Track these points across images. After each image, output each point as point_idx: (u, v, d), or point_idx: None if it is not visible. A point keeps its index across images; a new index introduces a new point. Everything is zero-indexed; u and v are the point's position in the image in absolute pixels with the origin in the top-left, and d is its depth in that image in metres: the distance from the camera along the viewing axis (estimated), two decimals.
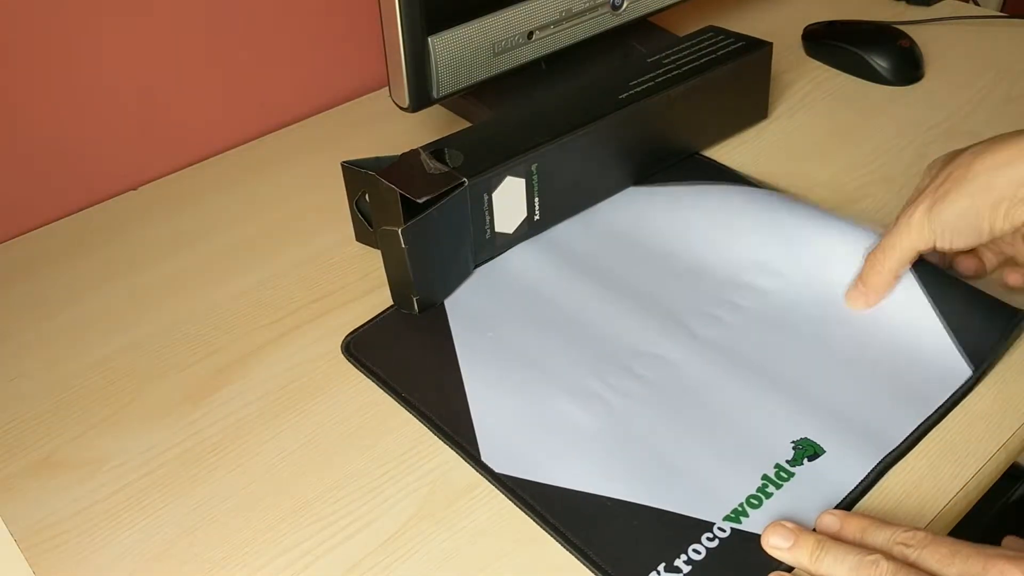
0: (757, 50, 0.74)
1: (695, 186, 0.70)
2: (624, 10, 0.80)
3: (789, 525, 0.47)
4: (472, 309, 0.62)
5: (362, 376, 0.58)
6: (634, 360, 0.58)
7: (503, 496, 0.51)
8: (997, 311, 0.58)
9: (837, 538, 0.46)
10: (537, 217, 0.66)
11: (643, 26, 0.87)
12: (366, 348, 0.60)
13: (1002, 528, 0.79)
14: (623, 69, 0.72)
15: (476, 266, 0.65)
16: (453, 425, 0.55)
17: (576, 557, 0.48)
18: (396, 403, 0.57)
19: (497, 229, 0.64)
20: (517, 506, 0.51)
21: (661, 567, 0.47)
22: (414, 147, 0.63)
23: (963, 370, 0.56)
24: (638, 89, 0.69)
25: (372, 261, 0.67)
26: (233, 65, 0.79)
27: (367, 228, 0.68)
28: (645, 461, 0.52)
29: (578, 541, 0.49)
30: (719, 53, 0.73)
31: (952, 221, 0.55)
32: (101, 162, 0.75)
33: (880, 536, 0.45)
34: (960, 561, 0.42)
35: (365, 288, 0.65)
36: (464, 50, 0.71)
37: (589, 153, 0.67)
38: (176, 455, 0.54)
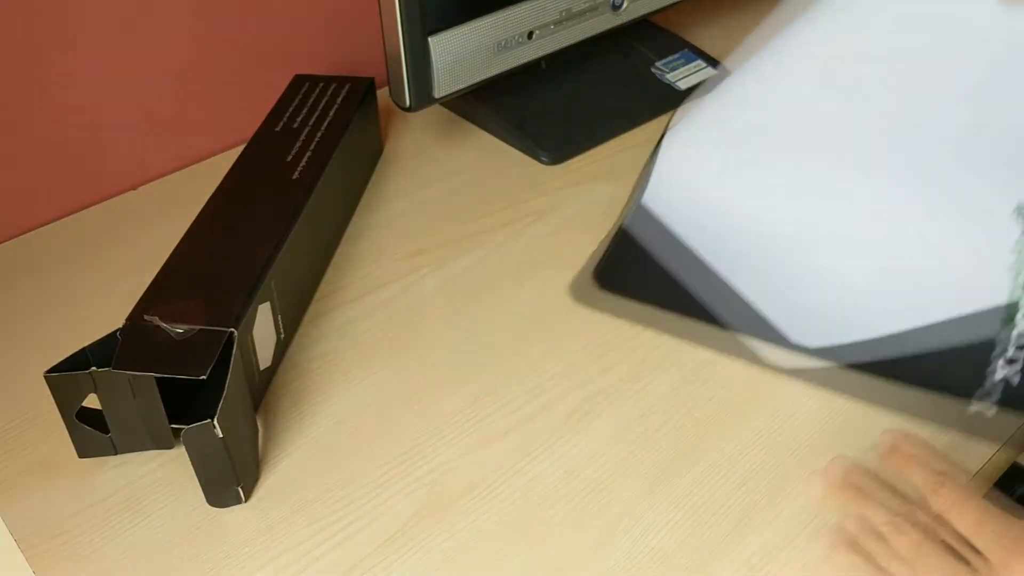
0: (360, 84, 0.72)
1: None
2: (624, 10, 0.80)
3: (844, 466, 0.47)
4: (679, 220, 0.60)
5: (356, 375, 0.58)
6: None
7: (503, 496, 0.51)
8: None
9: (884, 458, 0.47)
10: (283, 335, 0.59)
11: (643, 26, 0.87)
12: (616, 276, 0.59)
13: None
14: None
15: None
16: (741, 320, 0.54)
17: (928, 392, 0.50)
18: (392, 402, 0.57)
19: (261, 367, 0.56)
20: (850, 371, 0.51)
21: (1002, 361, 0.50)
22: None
23: None
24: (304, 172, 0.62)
25: (377, 255, 0.67)
26: (231, 66, 0.79)
27: (102, 434, 0.53)
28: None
29: (918, 382, 0.50)
30: (337, 101, 0.70)
31: None
32: (101, 162, 0.75)
33: (916, 476, 0.46)
34: (989, 532, 0.42)
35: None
36: (464, 50, 0.71)
37: (310, 246, 0.63)
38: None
